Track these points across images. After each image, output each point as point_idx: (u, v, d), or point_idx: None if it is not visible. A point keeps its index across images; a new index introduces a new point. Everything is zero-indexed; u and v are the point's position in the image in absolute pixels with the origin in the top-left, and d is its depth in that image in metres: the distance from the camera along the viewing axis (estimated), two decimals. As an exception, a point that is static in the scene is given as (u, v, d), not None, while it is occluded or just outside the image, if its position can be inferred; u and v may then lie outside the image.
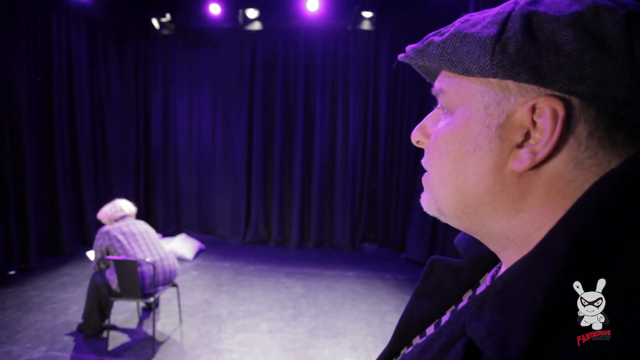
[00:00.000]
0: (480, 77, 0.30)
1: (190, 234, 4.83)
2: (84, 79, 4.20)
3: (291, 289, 3.46)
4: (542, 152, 0.27)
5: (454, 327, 0.29)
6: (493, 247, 0.34)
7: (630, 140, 0.27)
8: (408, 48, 0.36)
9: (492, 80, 0.30)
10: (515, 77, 0.27)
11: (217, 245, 4.67)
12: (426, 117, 0.38)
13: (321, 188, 4.72)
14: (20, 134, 3.49)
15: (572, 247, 0.24)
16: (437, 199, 0.35)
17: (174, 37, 4.70)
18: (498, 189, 0.30)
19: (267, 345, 2.57)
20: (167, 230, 4.92)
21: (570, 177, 0.27)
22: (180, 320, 2.81)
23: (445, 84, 0.34)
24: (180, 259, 4.01)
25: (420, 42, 0.35)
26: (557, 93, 0.27)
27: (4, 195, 3.38)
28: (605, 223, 0.24)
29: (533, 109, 0.28)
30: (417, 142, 0.38)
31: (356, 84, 4.54)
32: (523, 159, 0.28)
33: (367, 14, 4.12)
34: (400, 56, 0.37)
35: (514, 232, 0.30)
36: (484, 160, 0.30)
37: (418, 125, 0.39)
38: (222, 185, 4.91)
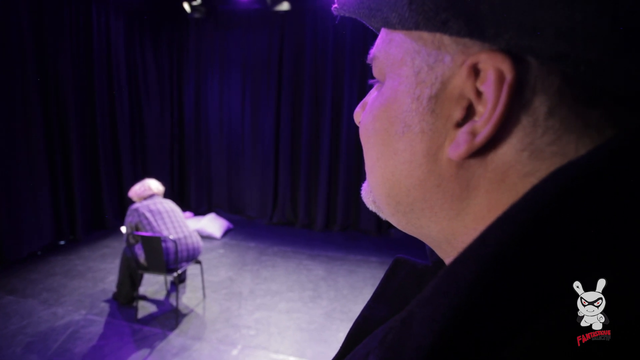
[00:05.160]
0: (402, 29, 0.22)
1: (220, 213, 5.02)
2: (122, 64, 4.42)
3: (312, 271, 3.50)
4: (483, 133, 0.20)
5: (360, 354, 0.25)
6: (438, 253, 0.28)
7: (608, 121, 0.18)
8: None
9: (424, 34, 0.22)
10: (443, 28, 0.20)
11: (245, 225, 4.82)
12: (369, 92, 0.31)
13: (348, 171, 4.66)
14: (66, 118, 3.78)
15: (480, 277, 0.17)
16: (372, 189, 0.28)
17: (205, 20, 4.78)
18: (433, 182, 0.23)
19: (284, 324, 2.63)
20: (199, 209, 5.15)
21: (526, 170, 0.20)
22: (204, 295, 2.95)
23: (378, 48, 0.26)
24: (209, 237, 4.20)
25: None
26: (505, 49, 0.19)
27: (55, 175, 3.71)
28: (538, 244, 0.17)
29: (476, 72, 0.20)
30: (360, 122, 0.30)
31: (386, 64, 4.35)
32: (459, 141, 0.21)
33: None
34: (334, 7, 0.30)
35: (455, 237, 0.23)
36: (415, 143, 0.23)
37: (361, 102, 0.31)
38: (250, 167, 5.02)
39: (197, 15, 4.62)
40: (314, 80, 4.62)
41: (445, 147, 0.22)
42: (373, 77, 0.29)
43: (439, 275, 0.19)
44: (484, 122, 0.20)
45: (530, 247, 0.17)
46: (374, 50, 0.27)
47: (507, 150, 0.20)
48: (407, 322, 0.20)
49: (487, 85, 0.19)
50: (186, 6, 4.51)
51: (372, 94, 0.28)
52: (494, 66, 0.19)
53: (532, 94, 0.19)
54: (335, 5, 0.29)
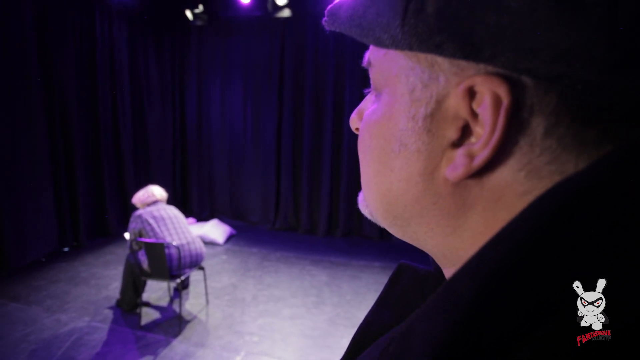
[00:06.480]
0: (395, 49, 0.22)
1: (223, 219, 5.02)
2: (125, 71, 4.46)
3: (315, 277, 3.49)
4: (481, 156, 0.20)
5: None
6: (436, 261, 0.28)
7: (606, 137, 0.18)
8: (327, 10, 0.28)
9: (418, 53, 0.21)
10: (437, 50, 0.19)
11: (248, 231, 4.82)
12: (365, 98, 0.30)
13: (350, 176, 4.66)
14: (70, 125, 3.81)
15: (478, 294, 0.17)
16: (368, 203, 0.28)
17: (206, 27, 4.82)
18: (429, 200, 0.23)
19: (287, 330, 2.62)
20: (201, 214, 5.16)
21: (523, 189, 0.20)
22: (207, 302, 2.95)
23: (373, 55, 0.26)
24: (212, 243, 4.20)
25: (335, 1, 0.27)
26: (501, 70, 0.19)
27: (58, 182, 3.73)
28: (535, 260, 0.17)
29: (471, 93, 0.20)
30: (356, 129, 0.30)
31: (388, 69, 4.37)
32: (457, 164, 0.21)
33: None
34: (324, 20, 0.29)
35: (452, 252, 0.24)
36: (411, 162, 0.23)
37: (357, 108, 0.31)
38: (252, 172, 5.03)
39: (199, 22, 4.67)
40: (315, 86, 4.64)
41: (441, 166, 0.22)
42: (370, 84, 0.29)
43: (437, 291, 0.19)
44: (482, 145, 0.20)
45: (528, 263, 0.17)
46: (369, 56, 0.26)
47: (504, 170, 0.20)
48: (407, 336, 0.20)
49: (484, 108, 0.19)
50: (188, 14, 4.56)
51: (369, 105, 0.28)
52: (490, 90, 0.19)
53: (529, 115, 0.18)
54: (326, 18, 0.28)
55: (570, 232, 0.17)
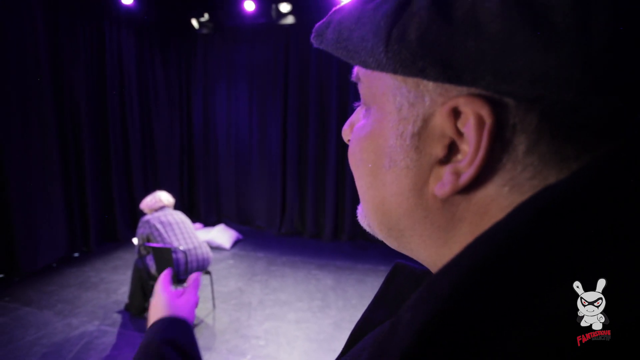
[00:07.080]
0: (381, 72, 0.23)
1: (230, 224, 5.07)
2: (133, 79, 4.56)
3: (321, 281, 3.50)
4: (467, 175, 0.21)
5: (357, 349, 0.26)
6: (431, 271, 0.29)
7: (585, 152, 0.19)
8: (314, 28, 0.28)
9: None
10: (420, 74, 0.20)
11: (254, 235, 4.86)
12: (356, 110, 0.31)
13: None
14: (80, 133, 3.90)
15: (458, 286, 0.18)
16: (365, 214, 0.29)
17: (212, 35, 4.91)
18: (420, 214, 0.24)
19: (293, 334, 2.63)
20: (208, 220, 5.21)
21: (507, 203, 0.21)
22: (214, 306, 2.98)
23: (361, 72, 0.26)
24: (218, 248, 4.24)
25: (324, 20, 0.28)
26: (484, 92, 0.19)
27: (69, 188, 3.82)
28: (513, 257, 0.17)
29: (456, 113, 0.21)
30: (349, 140, 0.31)
31: (391, 74, 4.39)
32: (444, 182, 0.22)
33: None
34: (312, 38, 0.29)
35: (443, 263, 0.25)
36: (400, 178, 0.24)
37: (348, 120, 0.31)
38: (258, 178, 5.08)
39: (205, 31, 4.76)
40: (319, 91, 4.68)
41: (430, 183, 0.23)
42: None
43: (423, 285, 0.20)
44: (467, 164, 0.20)
45: (507, 260, 0.17)
46: (358, 71, 0.27)
47: (489, 187, 0.21)
48: (395, 325, 0.21)
49: (468, 128, 0.20)
50: (194, 22, 4.66)
51: (360, 118, 0.28)
52: (473, 110, 0.20)
53: (512, 134, 0.19)
54: (313, 36, 0.29)
55: (553, 232, 0.17)
